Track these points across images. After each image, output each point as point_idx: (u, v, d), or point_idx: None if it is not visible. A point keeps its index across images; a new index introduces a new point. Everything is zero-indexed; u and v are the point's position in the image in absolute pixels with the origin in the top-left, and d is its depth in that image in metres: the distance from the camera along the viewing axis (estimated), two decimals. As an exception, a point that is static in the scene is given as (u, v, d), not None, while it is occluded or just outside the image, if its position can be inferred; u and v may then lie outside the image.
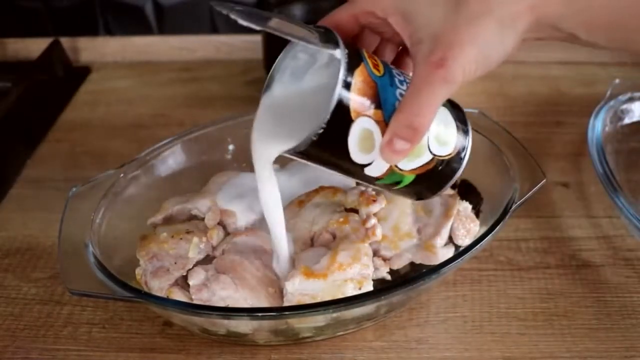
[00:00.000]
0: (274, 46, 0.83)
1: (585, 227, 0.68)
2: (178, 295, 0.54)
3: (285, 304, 0.53)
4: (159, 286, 0.55)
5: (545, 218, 0.69)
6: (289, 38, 0.44)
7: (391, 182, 0.49)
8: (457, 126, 0.50)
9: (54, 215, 0.60)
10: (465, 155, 0.50)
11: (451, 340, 0.56)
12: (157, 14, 1.02)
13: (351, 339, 0.56)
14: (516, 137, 0.63)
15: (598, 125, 0.69)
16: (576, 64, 0.94)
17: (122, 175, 0.62)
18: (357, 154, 0.45)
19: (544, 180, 0.58)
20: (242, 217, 0.59)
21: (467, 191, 0.63)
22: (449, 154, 0.49)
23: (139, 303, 0.52)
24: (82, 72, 0.98)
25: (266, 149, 0.49)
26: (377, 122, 0.45)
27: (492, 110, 0.72)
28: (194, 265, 0.55)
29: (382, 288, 0.51)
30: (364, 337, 0.57)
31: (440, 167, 0.49)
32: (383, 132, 0.45)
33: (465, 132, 0.51)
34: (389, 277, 0.56)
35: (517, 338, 0.56)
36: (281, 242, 0.54)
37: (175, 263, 0.55)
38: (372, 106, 0.44)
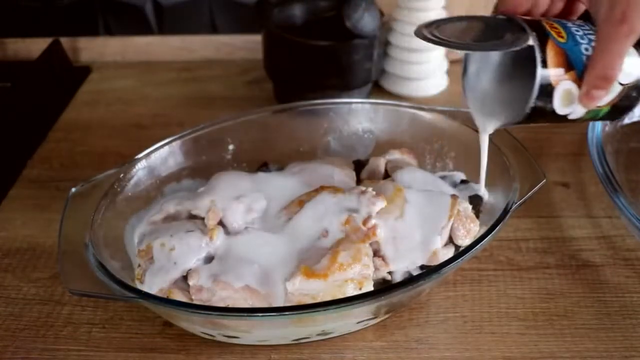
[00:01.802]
0: (275, 46, 0.84)
1: (585, 227, 0.68)
2: (178, 296, 0.54)
3: (286, 304, 0.53)
4: (158, 286, 0.55)
5: (545, 218, 0.69)
6: (482, 51, 0.54)
7: (590, 117, 0.55)
8: (637, 53, 0.53)
9: (54, 215, 0.60)
10: None
11: (451, 340, 0.56)
12: (157, 14, 1.02)
13: (351, 339, 0.56)
14: (516, 137, 0.63)
15: (598, 125, 0.69)
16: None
17: (122, 175, 0.62)
18: (561, 109, 0.52)
19: (544, 180, 0.58)
20: (242, 217, 0.59)
21: (466, 191, 0.63)
22: (637, 78, 0.53)
23: (139, 303, 0.52)
24: (82, 72, 0.98)
25: (487, 124, 0.58)
26: (573, 80, 0.51)
27: (492, 110, 0.72)
28: (194, 266, 0.55)
29: (382, 288, 0.51)
30: (364, 337, 0.57)
31: (631, 92, 0.54)
32: (579, 86, 0.51)
33: None
34: (389, 277, 0.56)
35: (517, 338, 0.56)
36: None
37: (175, 263, 0.55)
38: (566, 70, 0.51)
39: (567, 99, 0.52)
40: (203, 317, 0.51)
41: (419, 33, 0.51)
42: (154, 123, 0.87)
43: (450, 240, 0.58)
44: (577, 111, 0.53)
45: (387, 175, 0.65)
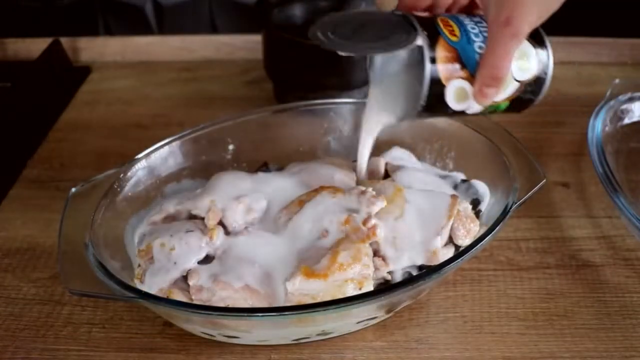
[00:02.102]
0: (275, 46, 0.84)
1: (585, 227, 0.68)
2: (178, 296, 0.54)
3: (286, 304, 0.53)
4: (158, 286, 0.55)
5: (545, 218, 0.69)
6: (374, 54, 0.54)
7: (490, 111, 0.56)
8: (536, 50, 0.55)
9: (54, 215, 0.60)
10: (549, 67, 0.56)
11: (451, 340, 0.56)
12: (157, 14, 1.02)
13: (351, 339, 0.56)
14: (516, 137, 0.63)
15: (598, 125, 0.69)
16: (576, 64, 0.94)
17: (122, 175, 0.62)
18: (456, 105, 0.54)
19: (544, 181, 0.58)
20: (242, 217, 0.59)
21: (467, 191, 0.63)
22: (534, 74, 0.55)
23: (139, 303, 0.52)
24: (82, 72, 0.98)
25: (381, 118, 0.59)
26: (465, 78, 0.52)
27: (492, 110, 0.72)
28: (194, 266, 0.55)
29: (382, 288, 0.51)
30: (364, 337, 0.57)
31: (529, 87, 0.55)
32: (472, 83, 0.53)
33: (544, 48, 0.55)
34: (389, 277, 0.56)
35: (517, 338, 0.56)
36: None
37: (175, 263, 0.55)
38: (458, 68, 0.52)
39: (460, 96, 0.53)
40: (203, 317, 0.51)
41: (313, 35, 0.51)
42: (154, 123, 0.87)
43: (450, 240, 0.58)
44: (473, 106, 0.54)
45: (387, 175, 0.65)
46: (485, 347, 0.56)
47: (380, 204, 0.57)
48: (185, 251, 0.56)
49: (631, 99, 0.74)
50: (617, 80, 0.76)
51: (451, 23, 0.53)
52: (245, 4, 1.01)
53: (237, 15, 1.03)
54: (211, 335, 0.55)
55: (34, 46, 0.97)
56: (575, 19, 0.96)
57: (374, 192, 0.58)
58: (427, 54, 0.51)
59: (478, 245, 0.53)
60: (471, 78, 0.52)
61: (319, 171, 0.64)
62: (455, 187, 0.63)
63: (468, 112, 0.55)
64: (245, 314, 0.51)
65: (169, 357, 0.56)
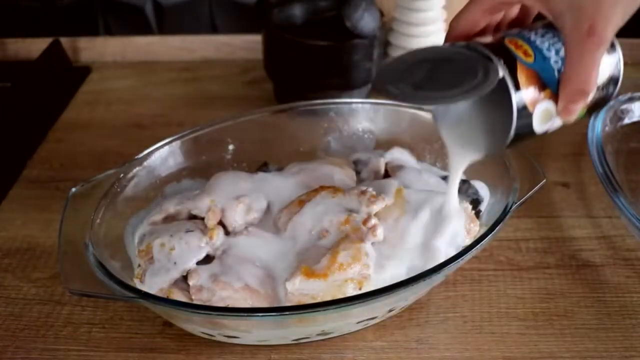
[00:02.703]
0: (275, 46, 0.84)
1: (585, 227, 0.68)
2: (178, 296, 0.54)
3: (286, 304, 0.53)
4: (158, 286, 0.55)
5: (545, 218, 0.69)
6: (467, 99, 0.47)
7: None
8: (608, 52, 0.52)
9: (54, 215, 0.60)
10: (620, 62, 0.53)
11: (451, 340, 0.56)
12: (157, 14, 1.02)
13: (351, 339, 0.56)
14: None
15: (598, 125, 0.69)
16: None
17: (122, 175, 0.62)
18: (541, 127, 0.50)
19: (544, 181, 0.58)
20: (241, 217, 0.59)
21: (467, 191, 0.63)
22: (609, 74, 0.52)
23: (139, 303, 0.52)
24: (82, 72, 0.98)
25: (466, 155, 0.54)
26: (549, 98, 0.49)
27: (492, 110, 0.72)
28: (194, 266, 0.55)
29: (382, 288, 0.51)
30: (364, 337, 0.57)
31: (605, 89, 0.52)
32: (555, 101, 0.49)
33: (614, 49, 0.53)
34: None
35: (517, 338, 0.56)
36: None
37: (175, 263, 0.55)
38: (540, 90, 0.48)
39: (546, 117, 0.49)
40: (203, 317, 0.51)
41: (382, 89, 0.47)
42: (154, 123, 0.87)
43: (450, 240, 0.58)
44: (556, 123, 0.51)
45: (387, 175, 0.65)
46: (485, 347, 0.56)
47: (380, 204, 0.57)
48: (185, 251, 0.56)
49: (631, 99, 0.74)
50: (617, 80, 0.76)
51: (521, 43, 0.49)
52: (245, 4, 1.01)
53: (237, 15, 1.03)
54: (211, 335, 0.55)
55: (34, 46, 0.97)
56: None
57: (374, 192, 0.58)
58: (510, 85, 0.47)
59: (478, 245, 0.53)
60: (554, 96, 0.49)
61: (319, 171, 0.64)
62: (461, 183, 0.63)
63: (550, 130, 0.51)
64: (245, 314, 0.51)
65: (169, 357, 0.56)
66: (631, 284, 0.61)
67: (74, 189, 0.60)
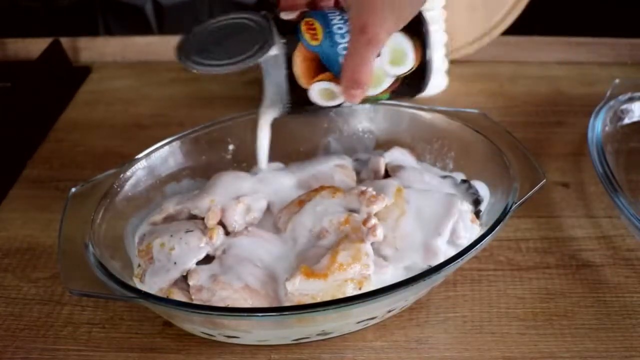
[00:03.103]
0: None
1: (585, 227, 0.68)
2: (178, 296, 0.54)
3: (286, 304, 0.53)
4: (158, 286, 0.55)
5: (545, 218, 0.69)
6: (233, 70, 0.55)
7: (373, 101, 0.60)
8: (413, 42, 0.55)
9: (54, 215, 0.60)
10: (428, 57, 0.56)
11: (451, 340, 0.56)
12: (157, 14, 1.02)
13: (351, 339, 0.56)
14: (516, 137, 0.63)
15: (598, 125, 0.69)
16: (576, 64, 0.94)
17: (122, 175, 0.62)
18: (325, 102, 0.56)
19: (544, 181, 0.58)
20: (241, 217, 0.59)
21: (467, 191, 0.63)
22: (412, 67, 0.56)
23: (139, 303, 0.52)
24: (82, 72, 0.98)
25: (268, 110, 0.61)
26: (329, 80, 0.54)
27: (492, 110, 0.72)
28: (194, 266, 0.55)
29: (382, 288, 0.51)
30: (364, 337, 0.57)
31: (407, 80, 0.56)
32: (338, 83, 0.54)
33: (423, 39, 0.55)
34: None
35: (517, 338, 0.56)
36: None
37: (175, 263, 0.55)
38: (318, 71, 0.54)
39: (327, 95, 0.55)
40: (203, 317, 0.51)
41: (184, 61, 0.54)
42: (154, 123, 0.87)
43: (450, 240, 0.58)
44: (345, 102, 0.56)
45: (387, 175, 0.65)
46: (485, 347, 0.56)
47: (380, 204, 0.57)
48: (185, 251, 0.56)
49: (631, 99, 0.74)
50: (617, 80, 0.76)
51: (316, 25, 0.54)
52: (245, 4, 1.01)
53: (237, 15, 1.03)
54: (211, 335, 0.55)
55: (34, 46, 0.97)
56: (575, 19, 0.97)
57: (374, 192, 0.58)
58: (281, 62, 0.54)
59: (478, 245, 0.53)
60: (336, 79, 0.54)
61: (319, 171, 0.64)
62: (455, 187, 0.63)
63: (344, 104, 0.57)
64: (245, 314, 0.51)
65: (169, 357, 0.56)
66: (631, 284, 0.61)
67: (74, 189, 0.60)
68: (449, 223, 0.57)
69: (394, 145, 0.68)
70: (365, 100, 0.57)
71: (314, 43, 0.54)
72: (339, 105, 0.57)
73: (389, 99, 0.59)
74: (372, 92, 0.56)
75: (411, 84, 0.57)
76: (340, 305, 0.49)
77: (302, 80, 0.54)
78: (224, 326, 0.52)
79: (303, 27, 0.54)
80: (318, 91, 0.55)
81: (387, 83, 0.56)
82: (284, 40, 0.54)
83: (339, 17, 0.55)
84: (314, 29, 0.54)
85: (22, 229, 0.69)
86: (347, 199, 0.58)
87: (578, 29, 0.94)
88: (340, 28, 0.54)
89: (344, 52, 0.53)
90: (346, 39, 0.53)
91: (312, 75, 0.54)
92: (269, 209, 0.61)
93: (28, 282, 0.63)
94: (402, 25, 0.53)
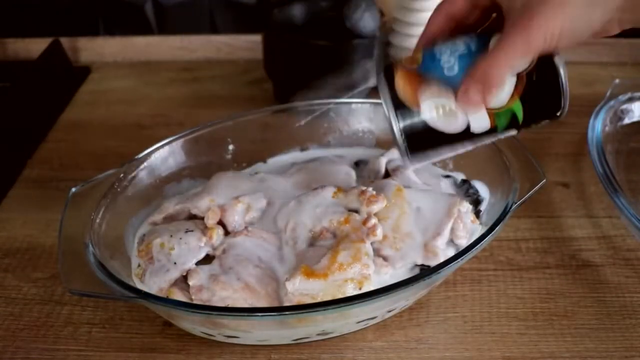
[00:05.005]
0: (275, 46, 0.84)
1: (585, 227, 0.68)
2: (178, 296, 0.54)
3: (285, 304, 0.53)
4: (158, 286, 0.55)
5: (545, 218, 0.69)
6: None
7: (508, 121, 0.50)
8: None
9: (54, 215, 0.60)
10: (562, 83, 0.49)
11: (451, 340, 0.56)
12: (157, 14, 1.02)
13: (351, 339, 0.56)
14: (516, 137, 0.63)
15: (598, 125, 0.69)
16: (576, 64, 0.94)
17: (122, 175, 0.62)
18: (446, 125, 0.50)
19: (544, 180, 0.58)
20: (241, 217, 0.59)
21: (467, 191, 0.63)
22: (533, 61, 0.48)
23: (139, 303, 0.52)
24: (82, 72, 0.98)
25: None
26: (440, 95, 0.49)
27: (492, 110, 0.72)
28: (194, 266, 0.55)
29: (382, 288, 0.51)
30: (364, 337, 0.57)
31: (534, 77, 0.49)
32: (451, 97, 0.48)
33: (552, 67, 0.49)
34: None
35: (517, 338, 0.56)
36: None
37: (175, 263, 0.55)
38: (425, 88, 0.49)
39: (442, 111, 0.49)
40: (203, 317, 0.51)
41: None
42: (154, 123, 0.87)
43: (451, 240, 0.58)
44: (475, 120, 0.49)
45: (387, 175, 0.65)
46: (485, 347, 0.56)
47: (380, 204, 0.57)
48: (185, 251, 0.56)
49: (631, 99, 0.74)
50: (617, 80, 0.76)
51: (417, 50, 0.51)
52: (245, 4, 1.02)
53: (237, 15, 1.03)
54: (211, 335, 0.55)
55: (34, 46, 0.97)
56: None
57: (374, 192, 0.58)
58: (382, 86, 0.50)
59: (478, 245, 0.53)
60: (449, 93, 0.48)
61: (319, 171, 0.64)
62: (456, 187, 0.63)
63: (471, 130, 0.50)
64: (245, 314, 0.51)
65: (169, 357, 0.56)
66: (631, 284, 0.61)
67: (74, 189, 0.60)
68: (448, 223, 0.57)
69: (394, 145, 0.68)
70: (500, 127, 0.50)
71: (414, 66, 0.50)
72: (472, 136, 0.50)
73: (527, 113, 0.50)
74: (496, 101, 0.48)
75: (543, 77, 0.48)
76: (340, 305, 0.49)
77: (408, 100, 0.49)
78: (224, 326, 0.52)
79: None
80: (429, 110, 0.49)
81: (510, 84, 0.48)
82: (384, 67, 0.51)
83: (452, 43, 0.50)
84: (414, 56, 0.51)
85: (22, 229, 0.69)
86: (347, 199, 0.58)
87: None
88: (440, 47, 0.50)
89: (448, 65, 0.48)
90: (447, 54, 0.49)
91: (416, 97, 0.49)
92: (268, 208, 0.61)
93: (28, 282, 0.63)
94: (567, 45, 0.47)
